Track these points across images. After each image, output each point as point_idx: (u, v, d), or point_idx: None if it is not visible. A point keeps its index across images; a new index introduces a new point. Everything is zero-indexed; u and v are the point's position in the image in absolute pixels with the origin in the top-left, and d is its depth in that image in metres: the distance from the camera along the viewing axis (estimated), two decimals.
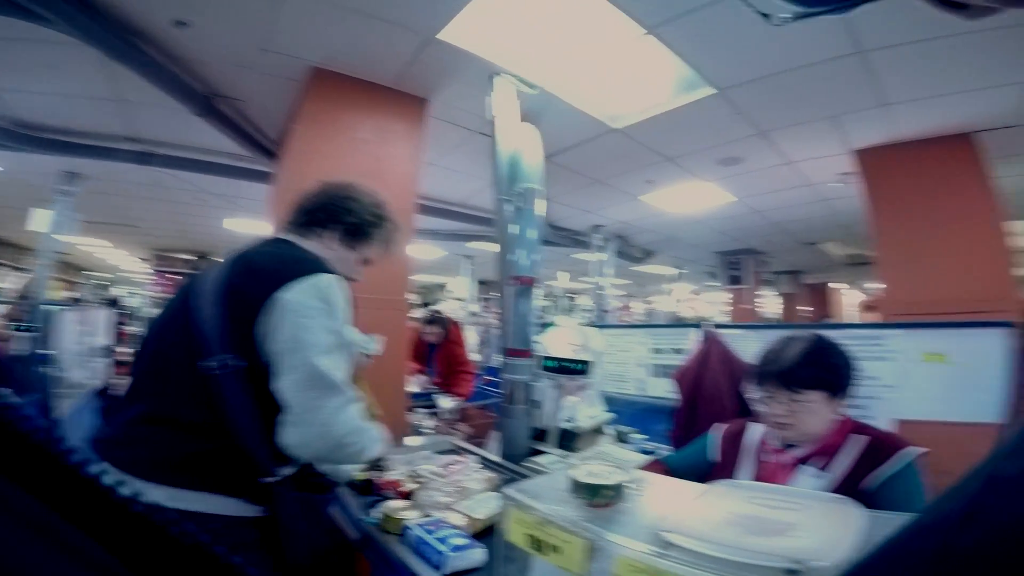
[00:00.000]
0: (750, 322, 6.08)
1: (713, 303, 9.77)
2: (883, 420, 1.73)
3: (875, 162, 3.16)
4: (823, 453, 1.15)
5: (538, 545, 0.74)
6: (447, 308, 8.53)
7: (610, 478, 0.76)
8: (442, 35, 2.24)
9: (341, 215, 1.24)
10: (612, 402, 2.58)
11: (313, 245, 1.20)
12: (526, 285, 2.25)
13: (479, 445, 2.29)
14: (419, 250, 6.96)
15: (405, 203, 2.63)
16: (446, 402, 2.92)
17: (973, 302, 2.55)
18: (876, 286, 3.68)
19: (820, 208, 4.52)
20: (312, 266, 1.08)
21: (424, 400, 3.14)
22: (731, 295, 7.27)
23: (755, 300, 7.16)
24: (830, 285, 10.15)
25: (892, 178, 3.10)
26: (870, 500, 1.04)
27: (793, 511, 0.65)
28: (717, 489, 0.75)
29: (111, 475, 0.23)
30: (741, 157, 3.38)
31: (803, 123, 2.92)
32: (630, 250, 6.57)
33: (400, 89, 2.70)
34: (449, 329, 3.48)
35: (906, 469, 1.06)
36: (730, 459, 1.30)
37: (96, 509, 0.22)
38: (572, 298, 12.51)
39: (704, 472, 1.33)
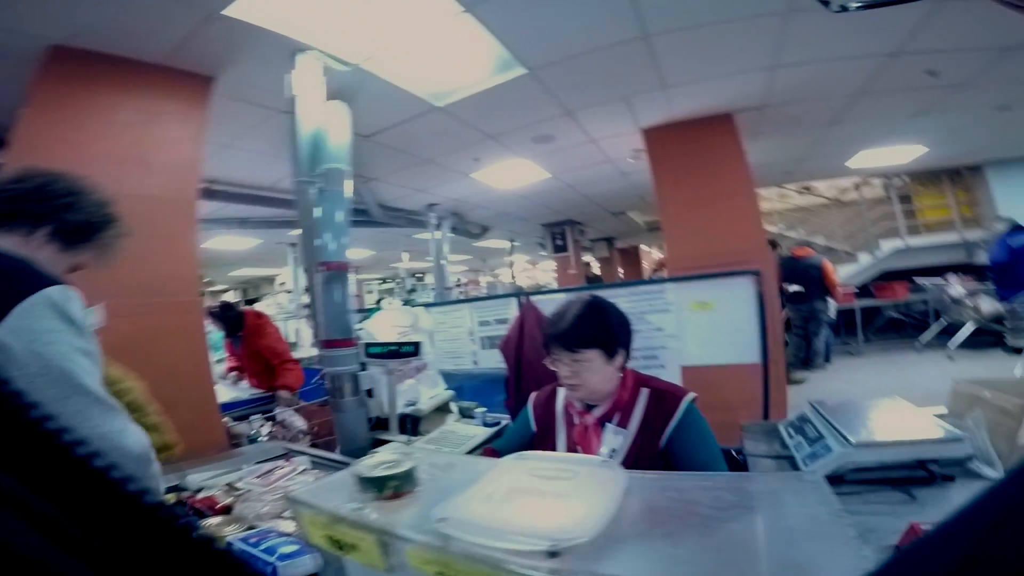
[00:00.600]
0: (567, 286, 6.72)
1: (547, 271, 10.60)
2: (673, 367, 2.04)
3: (658, 139, 3.66)
4: (618, 409, 1.29)
5: (339, 545, 0.72)
6: (274, 301, 7.77)
7: (394, 468, 0.75)
8: (230, 11, 1.94)
9: (59, 211, 1.01)
10: (451, 379, 2.63)
11: (9, 244, 0.96)
12: (337, 271, 2.12)
13: (328, 444, 2.15)
14: (226, 241, 6.11)
15: (184, 190, 2.28)
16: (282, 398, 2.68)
17: (734, 255, 3.10)
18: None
19: (619, 181, 5.12)
20: (29, 279, 0.89)
21: (254, 406, 2.85)
22: (557, 263, 7.96)
23: (577, 265, 7.93)
24: (641, 247, 11.78)
25: (671, 153, 3.62)
26: (667, 448, 1.23)
27: (567, 479, 0.70)
28: (504, 463, 0.78)
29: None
30: (553, 135, 3.62)
31: (602, 103, 3.22)
32: (467, 226, 6.70)
33: (176, 67, 2.29)
34: (245, 323, 3.18)
35: (687, 415, 1.25)
36: (545, 427, 1.39)
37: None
38: (421, 278, 12.38)
39: (529, 444, 1.40)
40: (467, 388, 2.62)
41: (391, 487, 0.74)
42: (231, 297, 12.29)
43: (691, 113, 3.48)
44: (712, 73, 2.91)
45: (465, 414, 2.26)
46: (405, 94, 2.77)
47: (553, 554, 0.51)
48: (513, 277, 10.70)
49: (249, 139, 3.18)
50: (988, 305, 5.48)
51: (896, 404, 1.36)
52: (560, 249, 7.73)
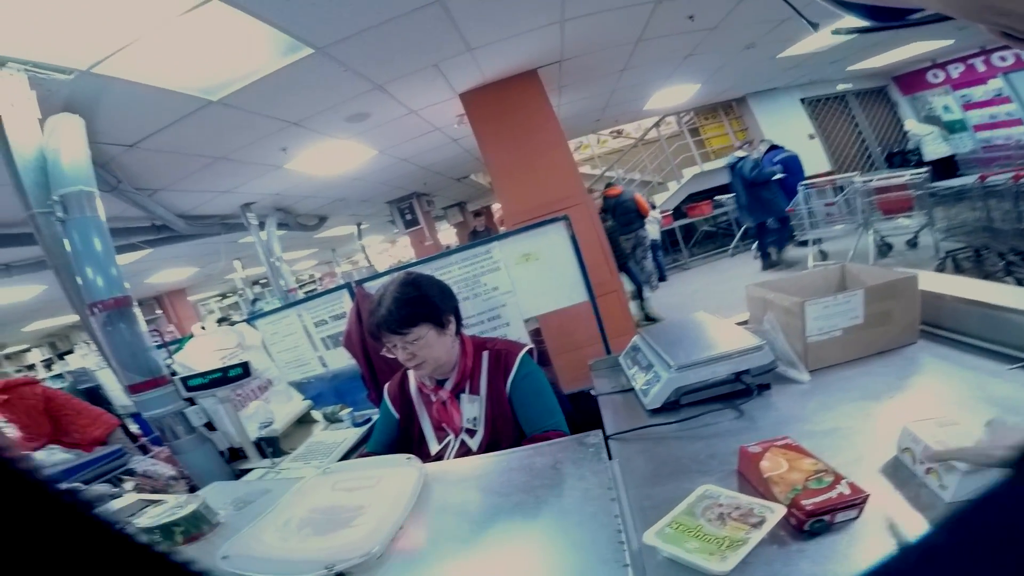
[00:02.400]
0: (394, 264, 6.65)
1: (406, 247, 10.31)
2: (516, 323, 2.12)
3: (476, 102, 3.68)
4: (467, 377, 1.31)
5: None
6: (90, 349, 6.43)
7: (176, 514, 0.72)
8: None
9: None
10: (307, 387, 2.49)
11: None
12: (119, 307, 1.85)
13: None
14: None
15: None
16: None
17: (558, 203, 3.32)
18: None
19: (453, 147, 5.09)
20: None
21: (92, 467, 2.37)
22: (411, 237, 7.77)
23: (433, 236, 7.85)
24: (493, 207, 11.97)
25: (489, 114, 3.67)
26: (510, 404, 1.27)
27: (368, 488, 0.71)
28: (307, 483, 0.78)
29: None
30: (368, 112, 3.41)
31: (412, 73, 3.09)
32: (300, 219, 6.15)
33: None
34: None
35: (521, 368, 1.30)
36: (407, 413, 1.38)
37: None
38: (266, 284, 11.14)
39: (399, 433, 1.39)
40: (326, 393, 2.49)
41: (179, 532, 0.71)
42: (39, 354, 10.06)
43: (500, 73, 3.54)
44: (511, 31, 2.96)
45: (331, 419, 2.17)
46: (166, 93, 2.36)
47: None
48: (370, 262, 10.21)
49: None
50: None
51: (707, 318, 1.45)
52: (411, 223, 7.53)
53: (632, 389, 1.34)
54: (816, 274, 1.51)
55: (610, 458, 1.11)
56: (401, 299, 1.22)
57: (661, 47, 4.03)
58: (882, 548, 0.64)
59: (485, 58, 3.20)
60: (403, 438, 1.38)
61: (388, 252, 15.06)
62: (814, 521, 0.68)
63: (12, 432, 2.86)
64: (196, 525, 0.72)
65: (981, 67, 7.15)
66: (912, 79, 8.18)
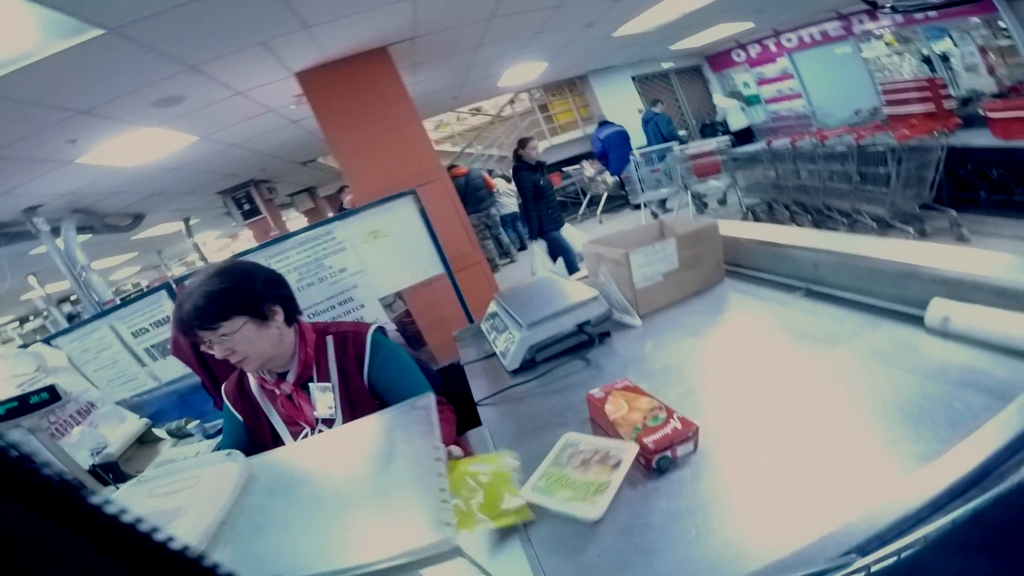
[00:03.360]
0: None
1: (250, 241, 9.27)
2: (371, 303, 2.06)
3: (315, 82, 3.41)
4: (311, 366, 1.24)
5: None
6: None
7: None
8: None
9: None
10: (144, 405, 2.22)
11: None
12: None
13: None
14: None
15: None
16: None
17: (413, 180, 3.20)
18: None
19: (293, 129, 4.67)
20: None
21: None
22: (253, 229, 7.03)
23: (278, 225, 7.17)
24: (344, 190, 11.27)
25: (333, 94, 3.44)
26: (372, 387, 1.25)
27: (187, 489, 0.68)
28: (120, 494, 0.73)
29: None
30: (181, 95, 2.96)
31: (235, 52, 2.74)
32: (109, 220, 5.17)
33: None
34: None
35: (376, 348, 1.27)
36: (252, 413, 1.29)
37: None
38: (77, 300, 9.23)
39: (245, 437, 1.29)
40: (168, 407, 2.23)
41: None
42: None
43: (344, 51, 3.33)
44: (355, 8, 2.77)
45: (178, 435, 1.97)
46: None
47: None
48: (205, 261, 8.99)
49: None
50: (610, 179, 7.37)
51: (551, 278, 1.55)
52: (251, 214, 6.75)
53: (495, 354, 1.41)
54: (640, 229, 1.72)
55: (479, 423, 1.17)
56: (209, 292, 1.10)
57: (512, 24, 4.11)
58: (721, 480, 0.73)
59: (325, 36, 2.97)
60: (254, 439, 1.29)
61: (229, 248, 13.41)
62: (659, 458, 0.76)
63: None
64: None
65: (773, 47, 8.46)
66: (720, 58, 9.43)
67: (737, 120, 8.70)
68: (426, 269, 2.05)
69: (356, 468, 0.61)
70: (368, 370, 1.24)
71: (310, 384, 1.23)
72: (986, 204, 3.75)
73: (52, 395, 1.53)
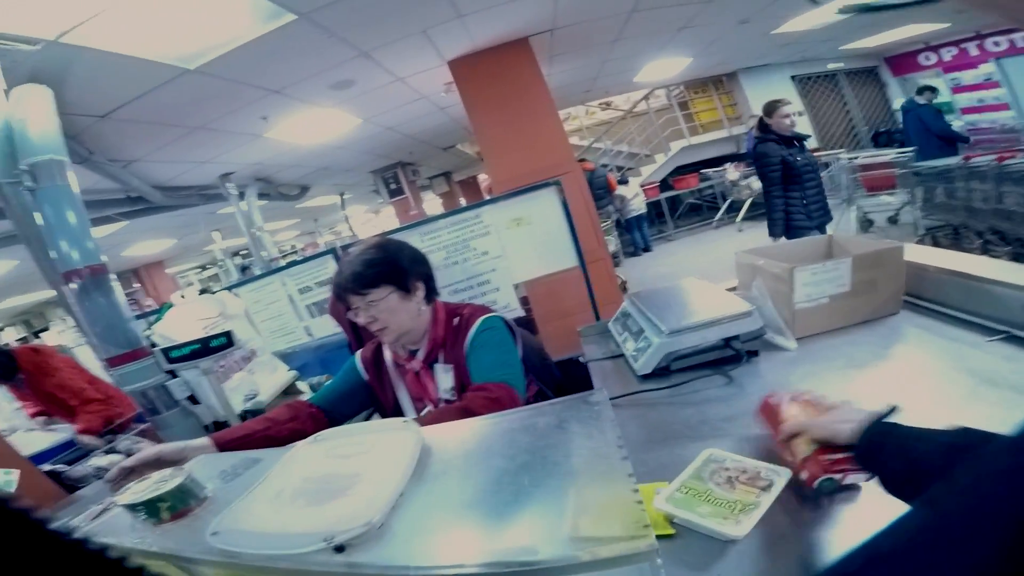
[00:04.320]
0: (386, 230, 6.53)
1: (390, 217, 10.15)
2: (506, 288, 2.08)
3: (465, 70, 3.58)
4: (439, 347, 1.29)
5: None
6: (66, 327, 6.29)
7: (161, 488, 0.68)
8: None
9: None
10: (292, 358, 2.44)
11: None
12: (92, 277, 1.81)
13: None
14: None
15: None
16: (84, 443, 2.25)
17: (547, 171, 3.20)
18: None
19: (440, 116, 4.97)
20: None
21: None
22: (395, 207, 7.65)
23: (418, 206, 7.73)
24: (479, 177, 11.79)
25: (479, 83, 3.59)
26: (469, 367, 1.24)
27: (364, 454, 0.69)
28: (298, 450, 0.74)
29: None
30: (353, 80, 3.30)
31: (399, 40, 2.98)
32: (281, 189, 5.99)
33: None
34: (21, 365, 2.63)
35: (479, 334, 1.25)
36: (380, 381, 1.36)
37: None
38: (248, 255, 10.91)
39: (362, 394, 1.37)
40: (312, 363, 2.44)
41: (165, 508, 0.67)
42: (13, 332, 9.75)
43: (491, 40, 3.45)
44: None
45: (318, 390, 2.15)
46: (140, 62, 2.25)
47: (339, 548, 0.49)
48: (353, 232, 10.03)
49: None
50: (758, 184, 6.76)
51: (697, 284, 1.46)
52: (396, 193, 7.38)
53: (622, 355, 1.35)
54: (804, 243, 1.54)
55: None
56: (366, 260, 1.20)
57: (655, 18, 3.95)
58: (880, 515, 0.65)
59: (475, 25, 3.10)
60: (374, 405, 1.39)
61: (372, 223, 14.83)
62: (824, 479, 0.67)
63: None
64: (183, 500, 0.68)
65: (974, 51, 7.16)
66: (904, 61, 8.17)
67: None
68: (561, 260, 2.05)
69: (531, 455, 0.59)
70: (467, 347, 1.26)
71: (436, 364, 1.29)
72: None
73: (228, 340, 1.77)
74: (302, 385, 2.22)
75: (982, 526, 0.23)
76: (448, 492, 0.58)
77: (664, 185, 8.45)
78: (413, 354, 1.30)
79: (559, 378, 1.66)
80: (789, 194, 3.24)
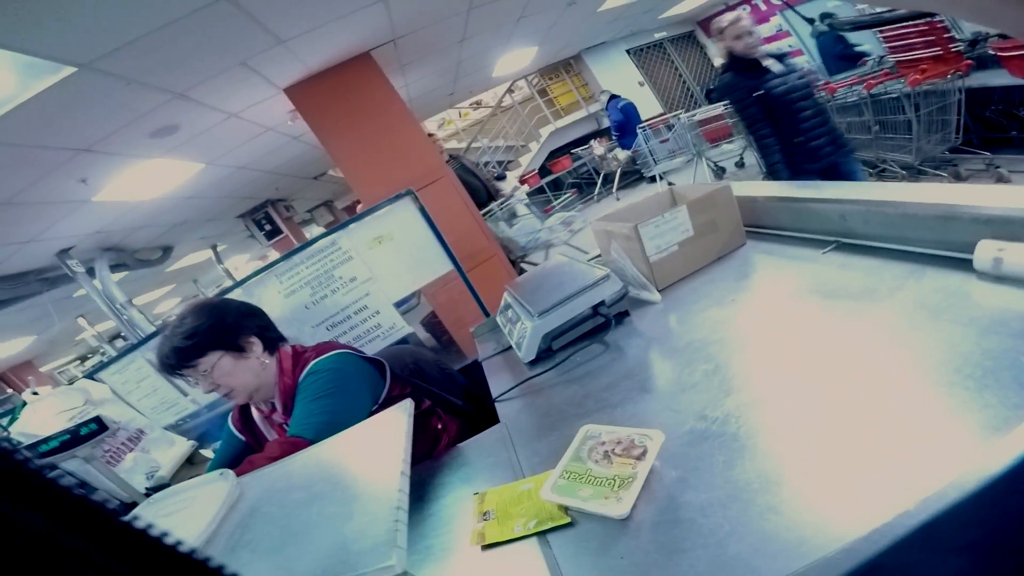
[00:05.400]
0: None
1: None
2: (386, 309, 2.03)
3: (305, 95, 3.39)
4: (290, 395, 1.19)
5: None
6: None
7: None
8: None
9: None
10: (189, 429, 2.31)
11: None
12: None
13: None
14: None
15: None
16: None
17: (416, 181, 3.10)
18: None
19: (296, 145, 4.69)
20: None
21: None
22: (277, 249, 7.14)
23: (301, 242, 7.26)
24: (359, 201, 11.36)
25: (324, 105, 3.41)
26: None
27: (184, 509, 0.70)
28: (140, 513, 0.75)
29: None
30: (176, 124, 2.98)
31: (217, 75, 2.73)
32: (140, 255, 5.33)
33: None
34: None
35: (310, 372, 1.17)
36: (254, 437, 1.31)
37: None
38: (120, 337, 9.62)
39: (246, 455, 1.28)
40: (212, 428, 2.32)
41: None
42: None
43: (327, 61, 3.29)
44: (326, 18, 2.72)
45: None
46: None
47: None
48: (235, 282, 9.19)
49: None
50: (622, 154, 7.20)
51: (559, 261, 1.49)
52: (273, 234, 6.86)
53: (511, 347, 1.36)
54: (649, 200, 1.64)
55: (498, 421, 1.12)
56: (183, 332, 1.13)
57: (493, 12, 4.01)
58: (757, 466, 0.69)
59: (302, 48, 2.93)
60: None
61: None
62: None
63: None
64: None
65: (762, 6, 8.09)
66: (711, 22, 9.11)
67: None
68: (435, 268, 2.01)
69: (323, 487, 0.62)
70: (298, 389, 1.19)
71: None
72: (1019, 143, 3.50)
73: (100, 425, 1.60)
74: (206, 452, 2.08)
75: None
76: (248, 534, 0.60)
77: (543, 171, 8.75)
78: (274, 408, 1.24)
79: (465, 384, 1.64)
80: (781, 132, 2.52)
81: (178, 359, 1.12)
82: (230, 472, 0.71)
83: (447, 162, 3.74)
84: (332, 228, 1.98)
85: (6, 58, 1.79)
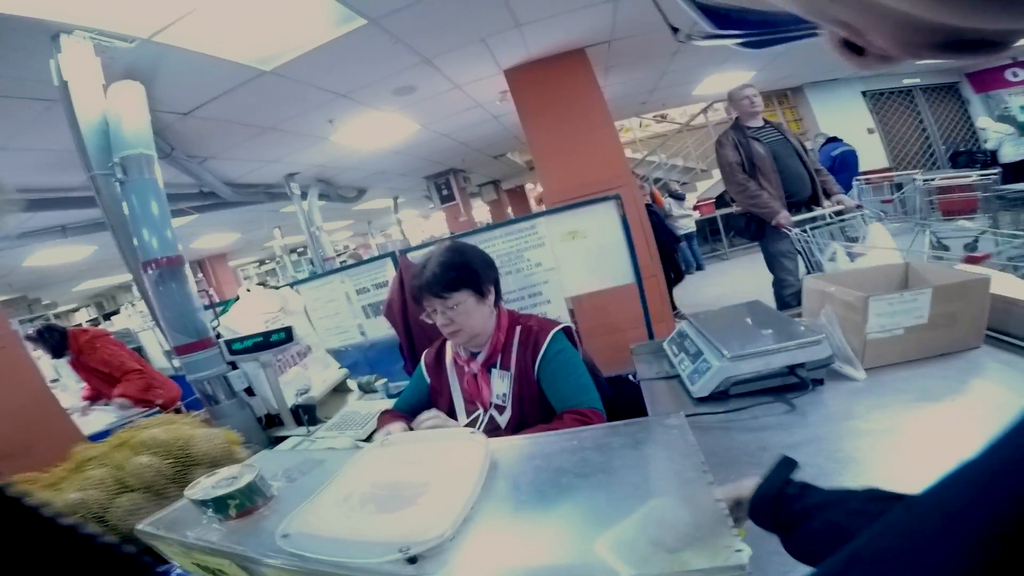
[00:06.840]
0: (439, 236, 6.61)
1: (440, 222, 10.40)
2: (557, 300, 2.07)
3: (520, 79, 3.61)
4: (498, 352, 1.30)
5: (209, 570, 0.67)
6: (136, 311, 6.79)
7: (231, 486, 0.69)
8: None
9: None
10: (344, 356, 2.50)
11: None
12: (168, 267, 1.91)
13: None
14: (51, 255, 5.17)
15: None
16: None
17: (601, 183, 3.22)
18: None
19: (493, 124, 5.04)
20: None
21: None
22: (446, 213, 7.80)
23: (467, 213, 7.86)
24: (527, 186, 11.89)
25: (534, 92, 3.60)
26: (538, 383, 1.26)
27: (432, 462, 0.68)
28: (366, 454, 0.74)
29: None
30: (414, 86, 3.40)
31: (459, 47, 3.06)
32: (339, 191, 6.25)
33: None
34: (70, 343, 2.95)
35: (551, 347, 1.28)
36: (439, 381, 1.40)
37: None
38: (303, 252, 11.46)
39: (427, 398, 1.41)
40: (362, 362, 2.51)
41: (234, 506, 0.68)
42: (86, 314, 10.59)
43: (547, 50, 3.46)
44: (562, 7, 2.87)
45: (366, 389, 2.18)
46: (221, 62, 2.41)
47: (411, 560, 0.49)
48: (403, 235, 10.32)
49: (29, 137, 2.61)
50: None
51: (760, 307, 1.40)
52: (447, 199, 7.55)
53: (677, 376, 1.31)
54: (877, 270, 1.44)
55: None
56: (446, 263, 1.23)
57: None
58: None
59: (533, 34, 3.13)
60: (432, 405, 1.39)
61: (422, 227, 15.21)
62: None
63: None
64: (251, 498, 0.68)
65: None
66: (988, 76, 7.58)
67: (1010, 151, 6.86)
68: (616, 276, 2.00)
69: (607, 475, 0.58)
70: (539, 365, 1.26)
71: (493, 369, 1.30)
72: None
73: (288, 336, 1.85)
74: (351, 383, 2.24)
75: None
76: (519, 507, 0.56)
77: (720, 202, 8.15)
78: (474, 356, 1.33)
79: (609, 395, 1.63)
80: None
81: (435, 286, 1.21)
82: (481, 434, 0.71)
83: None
84: (537, 212, 2.07)
85: (324, 2, 2.17)
